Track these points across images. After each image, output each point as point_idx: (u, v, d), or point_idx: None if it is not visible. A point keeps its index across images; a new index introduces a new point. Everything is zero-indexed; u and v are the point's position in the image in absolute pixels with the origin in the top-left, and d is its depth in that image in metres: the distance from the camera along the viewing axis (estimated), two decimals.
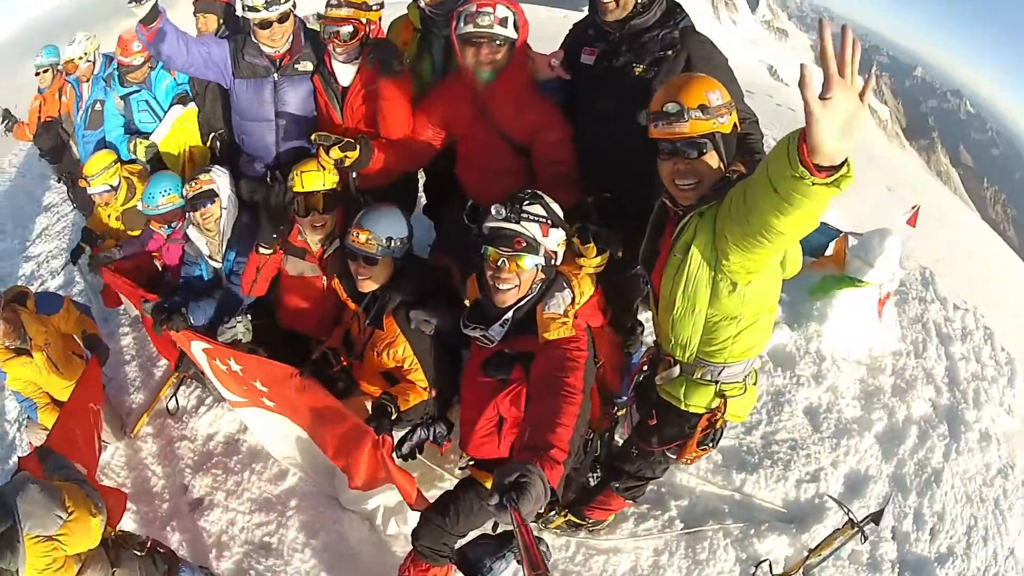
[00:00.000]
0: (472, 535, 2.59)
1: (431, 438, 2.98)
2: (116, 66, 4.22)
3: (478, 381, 2.63)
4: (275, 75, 3.38)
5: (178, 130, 4.09)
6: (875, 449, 4.15)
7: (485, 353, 2.58)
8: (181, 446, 3.91)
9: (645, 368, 2.63)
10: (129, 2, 2.98)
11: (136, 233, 4.22)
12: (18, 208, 7.94)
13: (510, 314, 2.45)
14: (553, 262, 2.46)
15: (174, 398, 4.11)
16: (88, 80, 4.95)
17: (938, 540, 3.72)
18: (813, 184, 1.50)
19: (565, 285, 2.44)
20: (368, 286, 3.00)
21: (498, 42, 2.67)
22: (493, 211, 2.38)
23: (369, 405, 3.03)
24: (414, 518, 2.79)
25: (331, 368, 3.22)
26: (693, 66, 2.50)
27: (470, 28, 2.63)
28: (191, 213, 3.52)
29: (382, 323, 2.98)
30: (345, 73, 3.29)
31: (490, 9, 2.58)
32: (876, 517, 3.00)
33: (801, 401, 4.43)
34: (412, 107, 3.13)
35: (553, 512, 3.39)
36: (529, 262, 2.37)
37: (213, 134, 4.00)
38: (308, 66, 3.37)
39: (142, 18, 3.05)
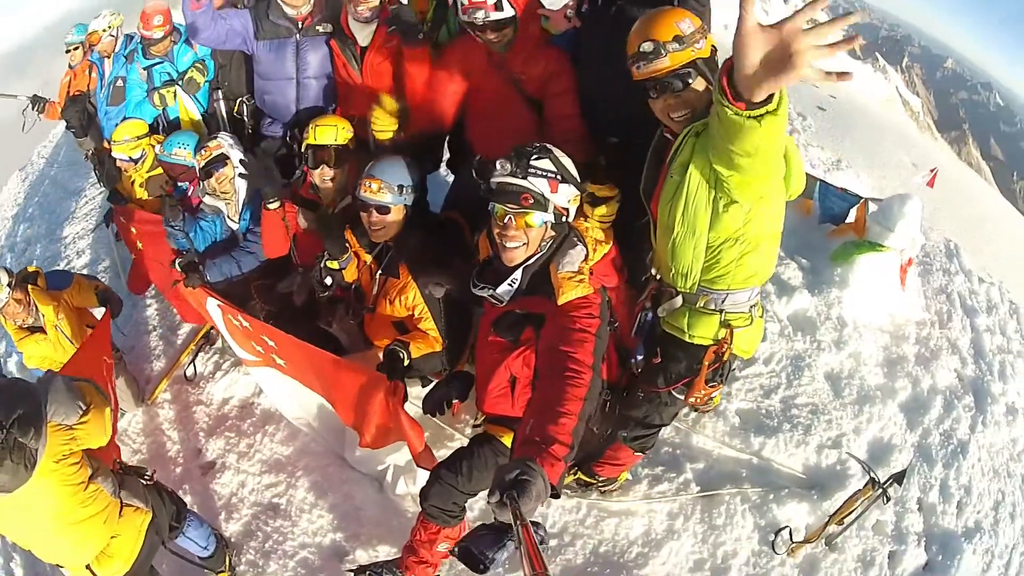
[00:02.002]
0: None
1: (457, 395, 2.85)
2: (138, 40, 4.32)
3: (490, 340, 2.53)
4: (297, 35, 3.48)
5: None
6: (899, 417, 3.95)
7: (496, 311, 2.48)
8: (197, 411, 3.92)
9: (647, 305, 2.51)
10: None
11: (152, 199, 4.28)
12: (44, 195, 8.04)
13: (519, 273, 2.34)
14: (564, 219, 2.33)
15: (192, 365, 4.16)
16: (110, 56, 5.06)
17: (965, 514, 3.52)
18: (735, 114, 1.50)
19: (577, 241, 2.31)
20: (382, 236, 2.95)
21: (503, 25, 2.74)
22: (498, 165, 2.25)
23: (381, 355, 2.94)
24: (423, 478, 2.65)
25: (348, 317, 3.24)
26: None
27: (467, 18, 2.73)
28: (206, 181, 3.56)
29: (396, 271, 2.94)
30: (363, 33, 3.32)
31: (481, 6, 2.67)
32: (899, 477, 2.87)
33: (822, 366, 4.22)
34: (431, 70, 3.16)
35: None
36: (537, 219, 2.25)
37: (240, 99, 4.12)
38: (328, 28, 3.45)
39: None
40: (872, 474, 2.85)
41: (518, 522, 1.49)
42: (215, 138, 3.56)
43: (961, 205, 7.94)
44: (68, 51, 5.58)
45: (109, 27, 5.11)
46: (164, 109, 4.25)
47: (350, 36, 3.35)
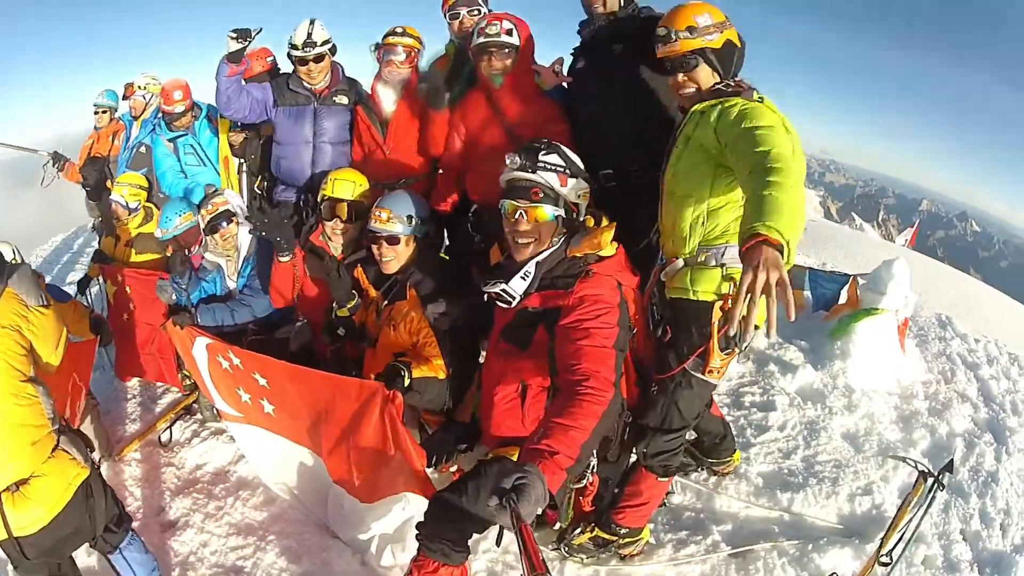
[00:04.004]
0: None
1: (457, 444, 2.87)
2: (161, 116, 4.78)
3: (499, 350, 2.57)
4: (315, 103, 3.99)
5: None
6: (924, 462, 3.77)
7: (506, 318, 2.53)
8: (166, 471, 3.80)
9: (655, 292, 2.68)
10: (230, 33, 3.64)
11: (144, 258, 4.51)
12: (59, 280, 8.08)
13: (531, 266, 2.41)
14: (575, 215, 2.44)
15: (169, 431, 4.05)
16: (139, 118, 5.48)
17: (1010, 534, 3.48)
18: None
19: (582, 236, 2.46)
20: (392, 267, 3.11)
21: (506, 50, 3.19)
22: (508, 161, 2.38)
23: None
24: (413, 548, 2.41)
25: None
26: (651, 24, 2.92)
27: (482, 39, 3.19)
28: (209, 237, 3.78)
29: (404, 293, 3.09)
30: (390, 100, 3.75)
31: (497, 23, 3.19)
32: (949, 466, 2.94)
33: (837, 428, 4.36)
34: (450, 130, 3.65)
35: (577, 530, 3.09)
36: (548, 211, 2.35)
37: (260, 176, 4.52)
38: (344, 100, 4.00)
39: (230, 55, 3.72)
40: (919, 466, 2.94)
41: (518, 524, 1.52)
42: (220, 194, 3.83)
43: (945, 286, 8.22)
44: (96, 113, 6.03)
45: (147, 87, 5.55)
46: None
47: (376, 103, 3.80)
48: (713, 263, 2.42)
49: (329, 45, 3.90)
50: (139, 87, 5.57)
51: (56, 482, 2.33)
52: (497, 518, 1.58)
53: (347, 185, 3.46)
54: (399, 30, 3.72)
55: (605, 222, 2.52)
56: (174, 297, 3.70)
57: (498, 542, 1.99)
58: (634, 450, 2.84)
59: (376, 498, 2.97)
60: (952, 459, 3.03)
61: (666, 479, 2.89)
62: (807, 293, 5.93)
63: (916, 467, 2.93)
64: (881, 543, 2.90)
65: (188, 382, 4.18)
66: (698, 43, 2.40)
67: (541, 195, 2.33)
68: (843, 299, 5.68)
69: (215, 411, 3.82)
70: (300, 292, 3.68)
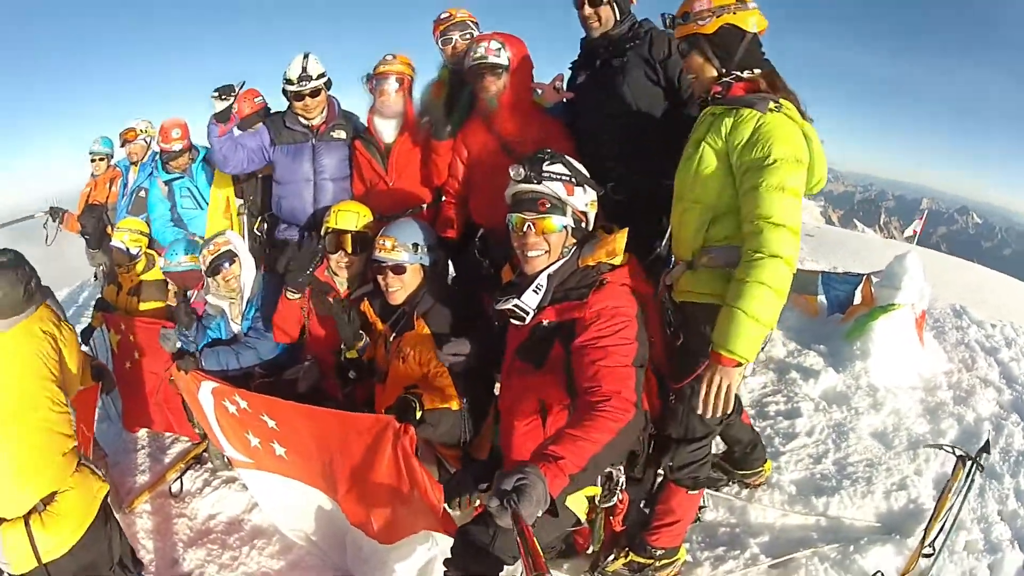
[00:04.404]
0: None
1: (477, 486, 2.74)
2: (159, 156, 4.80)
3: (515, 369, 2.51)
4: (313, 140, 3.98)
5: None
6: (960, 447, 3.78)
7: (520, 336, 2.47)
8: (178, 523, 3.75)
9: (665, 299, 2.69)
10: (213, 93, 3.66)
11: (148, 306, 4.45)
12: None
13: (543, 279, 2.36)
14: (584, 224, 2.41)
15: (179, 481, 3.98)
16: (137, 163, 5.49)
17: None
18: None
19: (595, 243, 2.41)
20: (399, 297, 3.02)
21: (497, 70, 3.26)
22: (512, 173, 2.33)
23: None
24: None
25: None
26: (655, 42, 3.12)
27: (471, 62, 3.26)
28: (211, 279, 3.71)
29: (412, 323, 2.99)
30: (388, 130, 3.74)
31: (484, 43, 3.27)
32: (986, 447, 2.96)
33: (865, 428, 4.35)
34: (453, 157, 3.69)
35: (611, 556, 3.02)
36: (556, 222, 2.31)
37: (260, 217, 4.49)
38: (342, 135, 3.99)
39: (217, 115, 3.77)
40: (956, 450, 2.94)
41: (519, 524, 1.51)
42: (222, 234, 3.78)
43: (955, 275, 8.22)
44: (92, 160, 6.00)
45: (145, 131, 5.57)
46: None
47: (374, 134, 3.77)
48: (713, 264, 2.44)
49: (324, 79, 3.88)
50: (140, 131, 5.59)
51: (83, 496, 2.33)
52: (498, 519, 1.58)
53: (351, 216, 3.40)
54: (389, 58, 3.72)
55: (616, 230, 2.47)
56: (178, 345, 3.65)
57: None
58: (660, 466, 2.77)
59: (396, 539, 2.89)
60: (988, 440, 3.04)
61: (696, 492, 2.84)
62: (821, 297, 5.92)
63: (954, 452, 2.93)
64: (924, 534, 2.88)
65: (199, 430, 4.06)
66: (690, 29, 2.41)
67: (548, 206, 2.30)
68: (858, 299, 5.71)
69: (225, 459, 3.76)
70: (308, 330, 3.63)
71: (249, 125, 4.51)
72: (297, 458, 3.14)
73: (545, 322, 2.37)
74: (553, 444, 1.90)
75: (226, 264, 3.65)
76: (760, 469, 3.63)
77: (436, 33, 3.77)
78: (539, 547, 1.46)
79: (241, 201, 4.71)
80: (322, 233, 3.44)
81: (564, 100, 3.43)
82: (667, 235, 2.97)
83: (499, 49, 3.25)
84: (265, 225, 4.44)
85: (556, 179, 2.31)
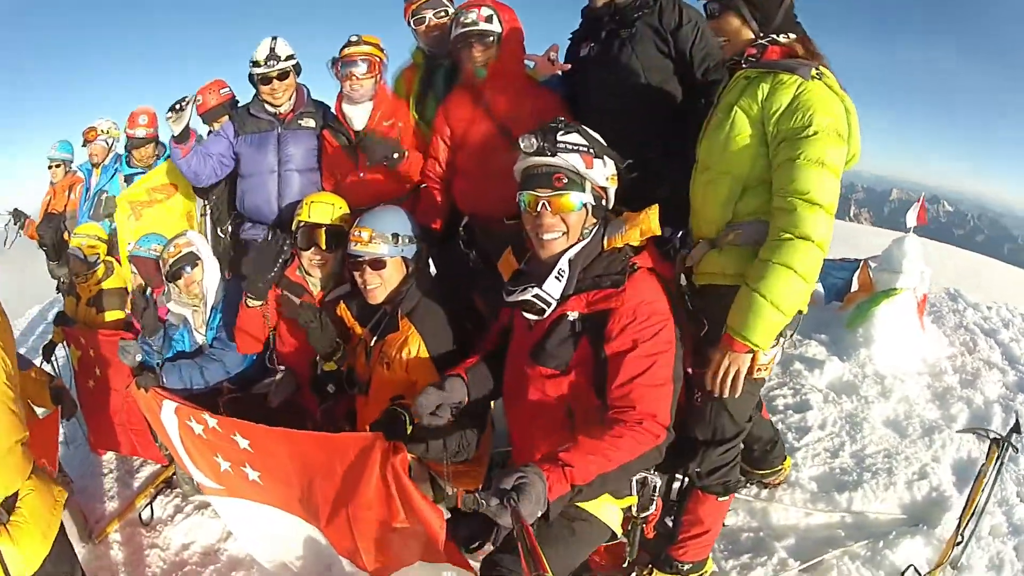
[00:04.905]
0: None
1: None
2: (126, 144, 4.62)
3: (530, 376, 2.20)
4: (279, 128, 3.73)
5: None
6: (968, 436, 3.98)
7: (536, 334, 2.18)
8: (151, 554, 3.55)
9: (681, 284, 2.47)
10: (167, 113, 3.43)
11: (109, 317, 4.19)
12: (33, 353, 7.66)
13: (565, 263, 2.10)
14: (604, 202, 2.16)
15: (150, 507, 3.76)
16: (99, 165, 5.23)
17: None
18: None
19: (622, 222, 2.17)
20: (378, 295, 2.71)
21: (488, 39, 3.02)
22: (523, 144, 2.08)
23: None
24: None
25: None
26: (664, 12, 2.89)
27: (460, 29, 3.02)
28: (172, 284, 3.42)
29: (396, 323, 2.70)
30: (358, 116, 3.48)
31: (475, 9, 3.03)
32: (1017, 427, 2.93)
33: (878, 416, 4.33)
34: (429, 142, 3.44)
35: (633, 574, 2.83)
36: (575, 199, 2.06)
37: (228, 220, 4.20)
38: (311, 123, 3.74)
39: (176, 136, 3.55)
40: (993, 434, 2.92)
41: (519, 523, 1.49)
42: (183, 235, 3.50)
43: (944, 258, 8.38)
44: (50, 167, 5.73)
45: (108, 132, 5.31)
46: None
47: (343, 122, 3.53)
48: (741, 241, 2.26)
49: (293, 62, 3.67)
50: (101, 131, 5.34)
51: (45, 499, 2.14)
52: (498, 518, 1.54)
53: (325, 208, 3.12)
54: (355, 39, 3.43)
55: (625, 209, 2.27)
56: (138, 358, 3.31)
57: (495, 542, 1.92)
58: (685, 472, 2.61)
59: (390, 571, 2.62)
60: (1018, 420, 2.98)
61: (726, 498, 2.66)
62: (818, 286, 5.90)
63: (988, 435, 2.90)
64: (960, 521, 2.85)
65: (166, 452, 3.78)
66: None
67: (565, 181, 2.04)
68: (855, 286, 5.73)
69: (195, 483, 3.45)
70: (278, 338, 3.34)
71: (214, 118, 4.31)
72: (273, 483, 2.86)
73: (570, 315, 2.10)
74: (565, 451, 1.78)
75: (187, 268, 3.38)
76: (780, 467, 3.55)
77: (407, 13, 3.50)
78: (539, 548, 1.42)
79: (204, 201, 4.43)
80: (293, 228, 3.16)
81: (560, 73, 3.18)
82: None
83: (491, 16, 3.02)
84: (229, 226, 4.15)
85: (573, 150, 2.06)
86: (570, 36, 3.30)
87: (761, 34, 2.23)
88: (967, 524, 2.82)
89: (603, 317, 2.04)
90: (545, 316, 2.14)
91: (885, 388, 4.56)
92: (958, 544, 2.91)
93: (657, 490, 2.21)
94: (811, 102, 2.06)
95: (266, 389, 3.25)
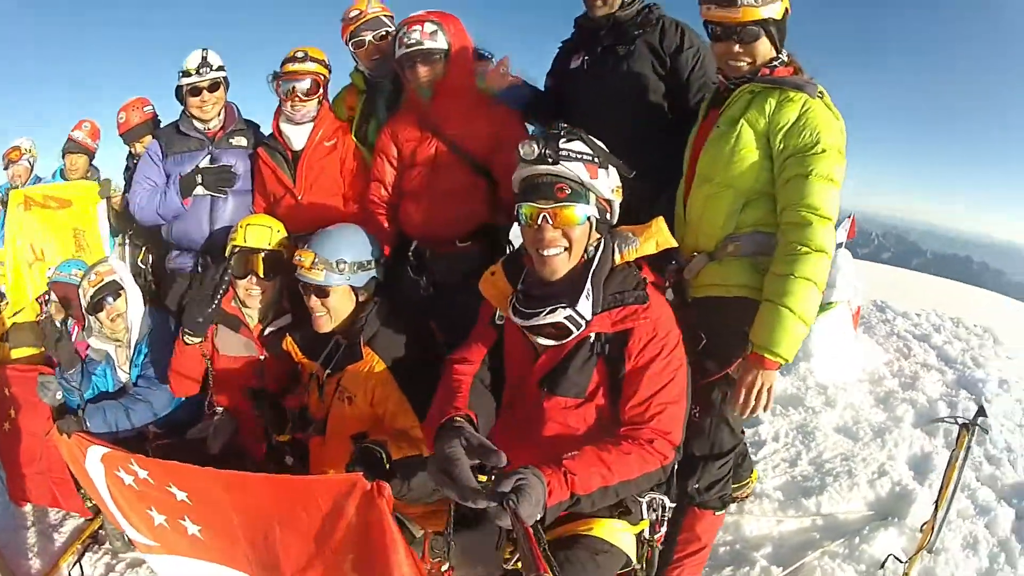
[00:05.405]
0: None
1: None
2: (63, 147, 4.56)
3: (546, 407, 1.99)
4: (210, 147, 3.47)
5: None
6: (918, 433, 4.29)
7: (549, 361, 1.99)
8: None
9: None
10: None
11: (19, 353, 3.82)
12: None
13: (588, 282, 1.92)
14: (609, 216, 2.02)
15: (78, 565, 3.23)
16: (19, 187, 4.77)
17: (1018, 466, 3.88)
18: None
19: (632, 235, 2.04)
20: (324, 324, 2.51)
21: (435, 56, 2.84)
22: (523, 152, 1.92)
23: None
24: None
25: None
26: (666, 33, 2.79)
27: (403, 50, 2.85)
28: (93, 316, 3.10)
29: (357, 352, 2.46)
30: (297, 136, 3.29)
31: (417, 27, 2.84)
32: (980, 412, 3.08)
33: (827, 424, 4.51)
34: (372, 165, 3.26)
35: None
36: (579, 212, 1.89)
37: (145, 246, 3.92)
38: (243, 141, 3.50)
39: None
40: (958, 420, 3.07)
41: (519, 524, 1.44)
42: (104, 262, 3.19)
43: (871, 272, 8.89)
44: None
45: (29, 151, 4.89)
46: None
47: (281, 141, 3.33)
48: (740, 253, 2.27)
49: (224, 74, 3.44)
50: (24, 150, 4.91)
51: None
52: (498, 520, 1.49)
53: (262, 232, 2.89)
54: (300, 55, 3.23)
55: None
56: (59, 396, 2.92)
57: (497, 546, 1.87)
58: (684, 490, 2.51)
59: None
60: (982, 405, 3.17)
61: (723, 512, 2.62)
62: None
63: (957, 422, 3.07)
64: (936, 506, 2.94)
65: (91, 503, 3.31)
66: (759, 13, 2.17)
67: (568, 192, 1.88)
68: None
69: (126, 539, 3.00)
70: (214, 376, 3.02)
71: (136, 137, 4.05)
72: (217, 538, 2.51)
73: (592, 336, 1.95)
74: (570, 458, 1.70)
75: (110, 299, 3.07)
76: (748, 480, 3.55)
77: (345, 34, 3.33)
78: (539, 548, 1.39)
79: (112, 225, 4.14)
80: (227, 254, 2.92)
81: (512, 85, 3.00)
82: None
83: (435, 32, 2.86)
84: (151, 256, 3.86)
85: (576, 159, 1.89)
86: (560, 44, 3.17)
87: (776, 54, 2.28)
88: (947, 508, 2.92)
89: (624, 335, 1.93)
90: (567, 340, 1.95)
91: (829, 397, 4.77)
92: (931, 528, 3.02)
93: (668, 510, 2.09)
94: (816, 120, 2.14)
95: (202, 434, 2.93)
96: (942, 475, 3.45)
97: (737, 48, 2.22)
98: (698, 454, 2.40)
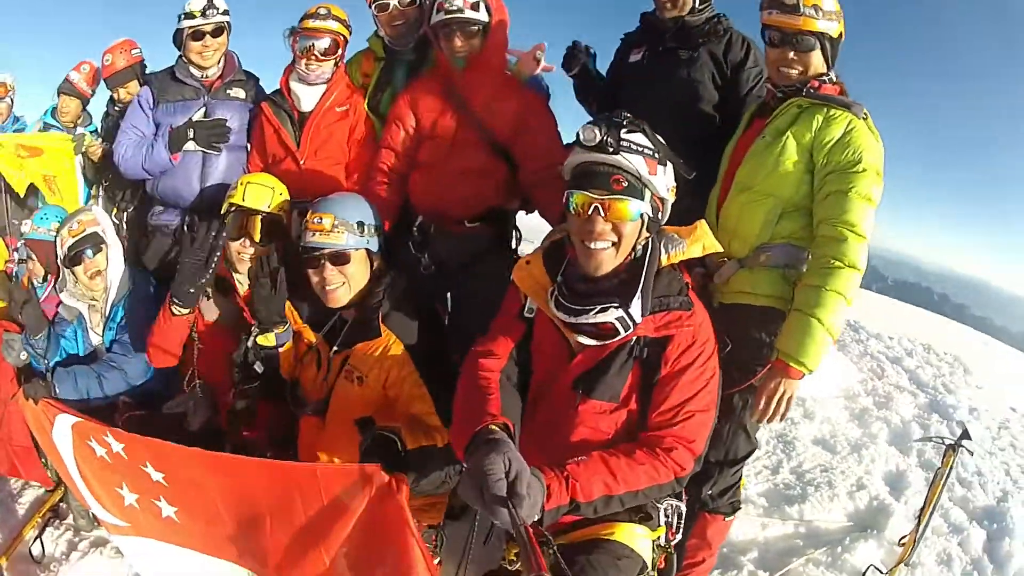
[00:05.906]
0: None
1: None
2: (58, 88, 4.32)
3: (582, 410, 1.89)
4: (206, 97, 3.25)
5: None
6: (892, 451, 4.50)
7: (583, 364, 1.90)
8: None
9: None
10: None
11: None
12: None
13: (641, 284, 1.84)
14: (660, 215, 1.91)
15: (39, 541, 2.99)
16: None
17: (989, 489, 4.11)
18: None
19: (678, 237, 1.96)
20: (340, 297, 2.30)
21: (473, 27, 2.70)
22: (583, 136, 1.80)
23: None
24: None
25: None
26: (732, 46, 2.79)
27: (442, 16, 2.69)
28: (69, 270, 2.86)
29: (374, 328, 2.26)
30: (308, 97, 3.09)
31: None
32: (965, 434, 3.24)
33: (807, 435, 4.72)
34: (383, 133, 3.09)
35: None
36: (633, 208, 1.78)
37: (123, 197, 3.68)
38: (241, 93, 3.29)
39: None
40: (944, 441, 3.24)
41: (519, 523, 1.39)
42: (87, 210, 2.97)
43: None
44: None
45: (13, 88, 4.65)
46: None
47: (289, 99, 3.14)
48: (771, 263, 2.32)
49: (228, 18, 3.24)
50: (10, 87, 4.64)
51: None
52: (497, 519, 1.44)
53: (263, 192, 2.67)
54: (323, 11, 3.03)
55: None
56: (23, 356, 2.72)
57: (485, 541, 1.81)
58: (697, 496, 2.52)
59: None
60: (966, 428, 3.38)
61: (732, 517, 2.66)
62: None
63: (943, 442, 3.25)
64: (918, 522, 3.08)
65: (53, 474, 3.05)
66: (819, 25, 2.27)
67: (625, 184, 1.77)
68: None
69: (92, 515, 2.83)
70: (199, 348, 2.79)
71: (120, 82, 3.82)
72: (195, 521, 2.34)
73: (635, 339, 1.86)
74: (575, 463, 1.64)
75: (89, 252, 2.79)
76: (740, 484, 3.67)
77: None
78: (539, 547, 1.34)
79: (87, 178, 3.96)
80: (222, 211, 2.72)
81: (541, 73, 2.93)
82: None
83: (477, 3, 2.72)
84: (131, 208, 3.62)
85: (637, 151, 1.78)
86: (622, 36, 3.14)
87: (826, 70, 2.35)
88: (927, 523, 3.09)
89: (664, 340, 1.85)
90: (610, 341, 1.86)
91: (807, 410, 4.98)
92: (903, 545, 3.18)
93: (680, 515, 2.06)
94: (860, 140, 2.22)
95: (179, 408, 2.71)
96: (917, 492, 3.72)
97: (792, 55, 2.30)
98: (714, 460, 2.40)
